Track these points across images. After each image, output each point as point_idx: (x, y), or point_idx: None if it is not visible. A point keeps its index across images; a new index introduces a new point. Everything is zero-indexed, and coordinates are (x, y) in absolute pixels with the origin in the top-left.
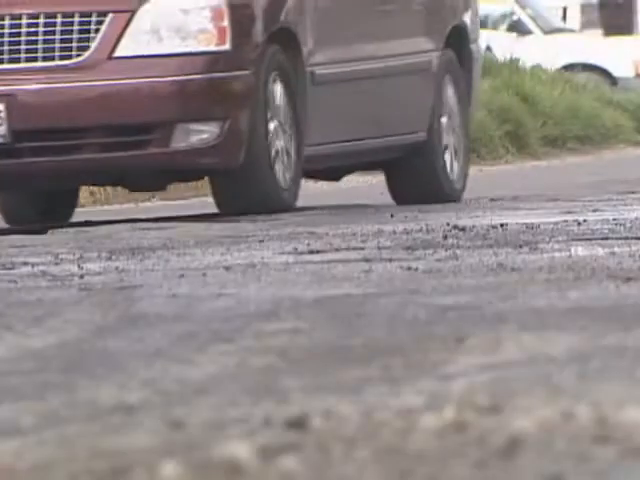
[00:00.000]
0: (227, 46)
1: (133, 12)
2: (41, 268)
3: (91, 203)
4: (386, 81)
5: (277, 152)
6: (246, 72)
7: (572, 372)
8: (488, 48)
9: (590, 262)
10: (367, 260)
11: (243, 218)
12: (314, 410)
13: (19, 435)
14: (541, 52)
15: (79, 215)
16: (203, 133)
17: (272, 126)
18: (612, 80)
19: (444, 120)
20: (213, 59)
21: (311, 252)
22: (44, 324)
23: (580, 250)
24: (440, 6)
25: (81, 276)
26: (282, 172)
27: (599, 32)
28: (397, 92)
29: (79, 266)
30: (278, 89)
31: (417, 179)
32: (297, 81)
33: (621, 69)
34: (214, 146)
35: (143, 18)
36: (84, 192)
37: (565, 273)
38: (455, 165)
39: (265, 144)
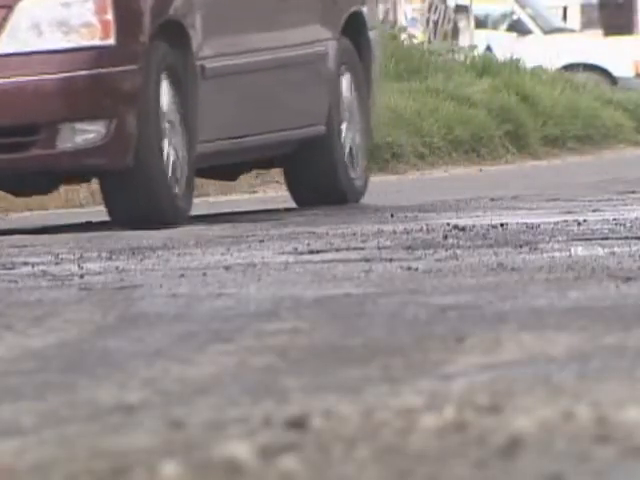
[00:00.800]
0: (112, 40)
1: (11, 7)
2: (41, 268)
3: (91, 203)
4: (280, 73)
5: (168, 153)
6: (133, 67)
7: (572, 372)
8: (488, 48)
9: (590, 262)
10: (367, 260)
11: (244, 218)
12: (314, 410)
13: (19, 435)
14: (541, 52)
15: (79, 215)
16: (89, 133)
17: (162, 125)
18: (612, 80)
19: (342, 112)
20: (97, 54)
21: (311, 252)
22: (44, 324)
23: (580, 250)
24: None
25: (81, 276)
26: (174, 175)
27: (599, 32)
28: (292, 84)
29: (79, 266)
30: (168, 85)
31: (316, 175)
32: (187, 76)
33: (621, 69)
34: (101, 146)
35: (22, 13)
36: (84, 192)
37: (565, 273)
38: (356, 160)
39: (155, 144)
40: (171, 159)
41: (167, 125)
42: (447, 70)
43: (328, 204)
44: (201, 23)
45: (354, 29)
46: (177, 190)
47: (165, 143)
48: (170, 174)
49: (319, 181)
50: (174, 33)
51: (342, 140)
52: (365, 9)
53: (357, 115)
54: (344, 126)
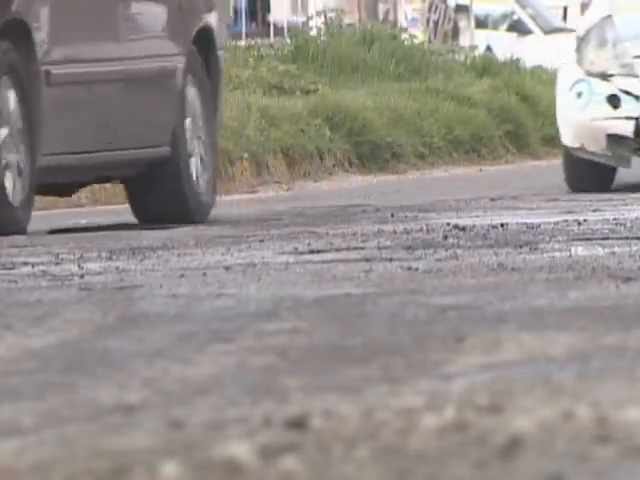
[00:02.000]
0: None
1: None
2: (41, 268)
3: (91, 203)
4: (125, 87)
5: (7, 165)
6: None
7: (572, 372)
8: (488, 48)
9: (590, 262)
10: (367, 260)
11: (243, 218)
12: (314, 410)
13: (19, 435)
14: (541, 52)
15: (79, 215)
16: None
17: (2, 134)
18: None
19: (189, 130)
20: None
21: (311, 252)
22: (44, 324)
23: (580, 250)
24: (186, 6)
25: (81, 276)
26: (13, 187)
27: None
28: (138, 100)
29: (79, 266)
30: (9, 91)
31: (161, 194)
32: (30, 82)
33: None
34: None
35: None
36: (84, 192)
37: (565, 273)
38: (202, 179)
39: None
40: (10, 171)
41: (8, 135)
42: (447, 70)
43: (173, 221)
44: (47, 23)
45: (203, 46)
46: (16, 203)
47: (5, 154)
48: (10, 189)
49: (163, 197)
50: (17, 33)
51: (188, 158)
52: (214, 25)
53: (204, 132)
54: (190, 144)
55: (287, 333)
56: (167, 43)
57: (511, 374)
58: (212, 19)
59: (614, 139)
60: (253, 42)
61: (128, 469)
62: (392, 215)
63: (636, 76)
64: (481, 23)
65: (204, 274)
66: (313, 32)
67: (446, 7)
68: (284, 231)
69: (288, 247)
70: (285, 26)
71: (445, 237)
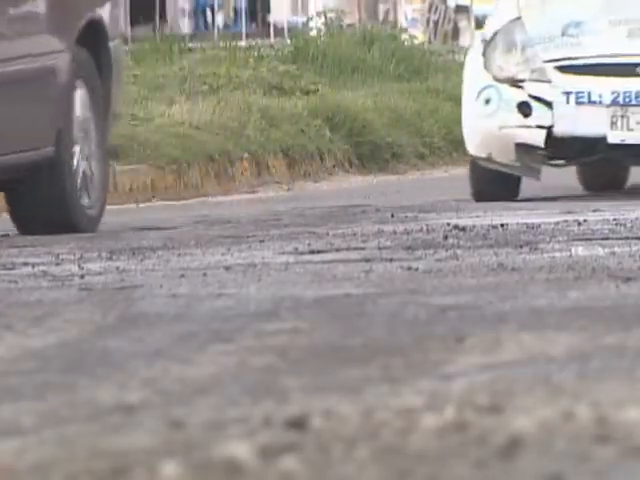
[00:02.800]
0: None
1: None
2: (41, 268)
3: None
4: (2, 88)
5: None
6: None
7: (572, 372)
8: None
9: (590, 262)
10: (367, 260)
11: (243, 218)
12: (314, 410)
13: (19, 435)
14: None
15: None
16: None
17: None
18: None
19: (75, 133)
20: None
21: (311, 252)
22: (44, 324)
23: (580, 250)
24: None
25: (81, 276)
26: None
27: None
28: (14, 101)
29: (79, 266)
30: None
31: (43, 203)
32: None
33: None
34: None
35: None
36: None
37: (565, 273)
38: (90, 186)
39: None
40: None
41: None
42: (447, 70)
43: (56, 234)
44: None
45: (92, 39)
46: None
47: None
48: None
49: (46, 209)
50: None
51: (74, 164)
52: (105, 16)
53: (93, 136)
54: (77, 149)
55: (287, 333)
56: (48, 39)
57: (511, 374)
58: (103, 10)
59: (524, 149)
60: (253, 42)
61: (128, 469)
62: (392, 215)
63: (548, 81)
64: (481, 23)
65: (204, 274)
66: (313, 32)
67: (446, 7)
68: (284, 231)
69: (288, 247)
70: (285, 26)
71: (445, 237)
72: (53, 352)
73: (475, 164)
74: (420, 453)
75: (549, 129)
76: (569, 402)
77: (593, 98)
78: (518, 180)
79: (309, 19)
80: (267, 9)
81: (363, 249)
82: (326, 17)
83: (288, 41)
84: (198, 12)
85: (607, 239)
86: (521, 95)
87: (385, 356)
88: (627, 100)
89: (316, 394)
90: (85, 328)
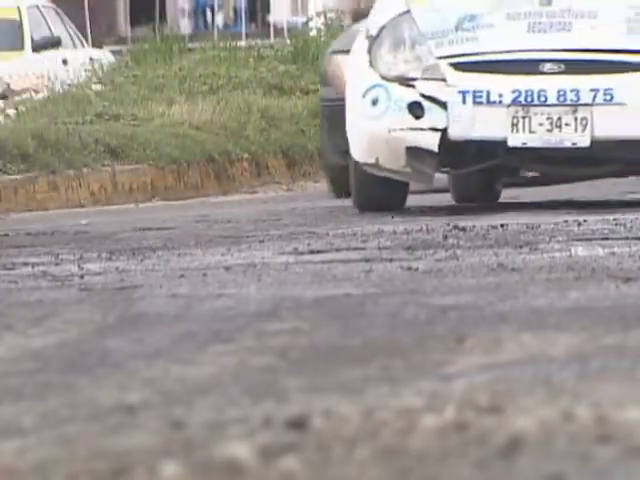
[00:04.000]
0: None
1: None
2: (41, 268)
3: (91, 203)
4: None
5: None
6: None
7: (572, 372)
8: None
9: (590, 262)
10: (367, 260)
11: (243, 218)
12: (314, 410)
13: (19, 435)
14: None
15: (79, 215)
16: None
17: None
18: None
19: None
20: None
21: (311, 252)
22: (44, 324)
23: (580, 250)
24: None
25: (81, 276)
26: None
27: None
28: None
29: (79, 266)
30: None
31: None
32: None
33: None
34: None
35: None
36: (84, 192)
37: (565, 273)
38: None
39: None
40: None
41: None
42: None
43: None
44: None
45: None
46: None
47: None
48: None
49: None
50: None
51: None
52: None
53: None
54: None
55: (287, 333)
56: None
57: (511, 374)
58: None
59: (415, 153)
60: (253, 43)
61: (128, 469)
62: (392, 216)
63: (442, 80)
64: None
65: (204, 274)
66: (313, 33)
67: None
68: (284, 231)
69: (288, 247)
70: (285, 27)
71: (445, 237)
72: (53, 352)
73: (359, 170)
74: (420, 453)
75: (443, 132)
76: (569, 402)
77: (492, 98)
78: (406, 187)
79: (309, 19)
80: (267, 9)
81: (363, 249)
82: (326, 17)
83: (288, 41)
84: (198, 12)
85: (607, 239)
86: (412, 95)
87: (385, 356)
88: (529, 100)
89: (316, 394)
90: (85, 328)
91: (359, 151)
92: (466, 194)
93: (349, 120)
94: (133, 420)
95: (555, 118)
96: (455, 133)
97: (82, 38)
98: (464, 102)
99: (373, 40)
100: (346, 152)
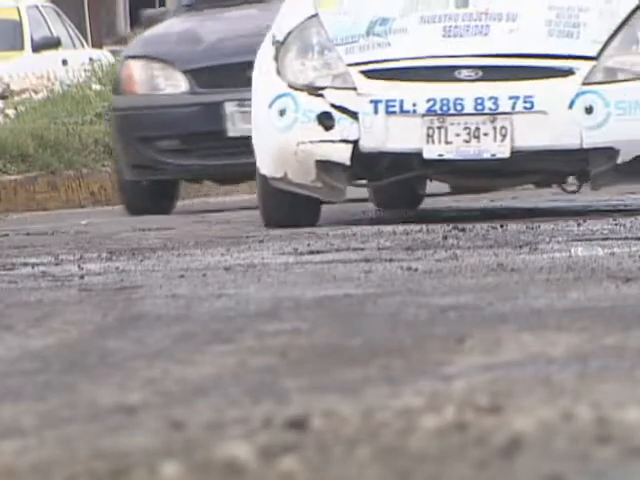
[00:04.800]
0: None
1: None
2: (41, 269)
3: (91, 203)
4: None
5: None
6: None
7: (572, 372)
8: None
9: (590, 262)
10: (367, 260)
11: (243, 218)
12: (314, 410)
13: (19, 435)
14: None
15: (79, 215)
16: None
17: None
18: None
19: None
20: None
21: (311, 252)
22: (44, 324)
23: (580, 250)
24: None
25: (81, 276)
26: None
27: None
28: None
29: (79, 267)
30: None
31: None
32: None
33: None
34: None
35: None
36: (84, 192)
37: (565, 273)
38: None
39: None
40: None
41: None
42: None
43: None
44: None
45: None
46: None
47: None
48: None
49: None
50: None
51: None
52: None
53: None
54: None
55: (287, 333)
56: None
57: (511, 374)
58: None
59: (326, 167)
60: None
61: (128, 470)
62: (392, 216)
63: (352, 89)
64: None
65: (204, 275)
66: None
67: None
68: (284, 231)
69: (288, 247)
70: None
71: (445, 237)
72: (53, 352)
73: (265, 185)
74: (420, 453)
75: (355, 144)
76: (569, 402)
77: (406, 107)
78: (318, 203)
79: None
80: None
81: (363, 249)
82: None
83: None
84: None
85: (607, 239)
86: (322, 105)
87: (385, 356)
88: (445, 109)
89: (316, 394)
90: (85, 328)
91: (266, 165)
92: (386, 200)
93: (255, 132)
94: (133, 420)
95: (473, 128)
96: (367, 145)
97: (82, 38)
98: (376, 112)
99: (279, 46)
100: (141, 166)
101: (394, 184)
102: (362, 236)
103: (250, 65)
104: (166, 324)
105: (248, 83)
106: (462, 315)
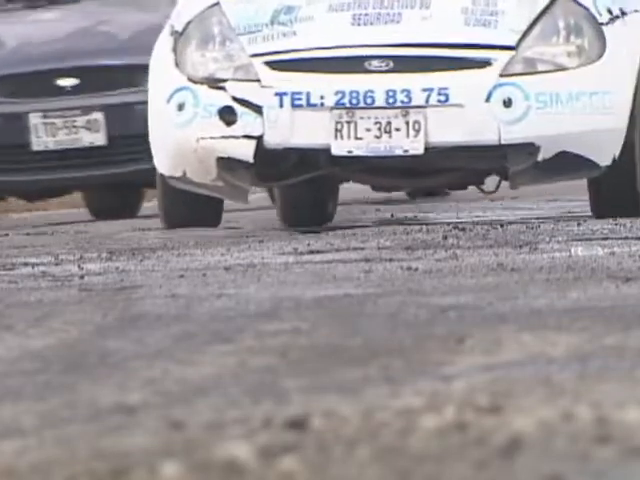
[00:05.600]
0: None
1: None
2: (41, 269)
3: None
4: None
5: None
6: None
7: (572, 372)
8: None
9: (590, 262)
10: (367, 260)
11: (243, 218)
12: (314, 410)
13: (19, 435)
14: None
15: (79, 215)
16: None
17: None
18: None
19: None
20: None
21: (311, 252)
22: (44, 324)
23: (580, 250)
24: None
25: (81, 276)
26: None
27: None
28: None
29: (79, 266)
30: None
31: None
32: None
33: None
34: None
35: None
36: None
37: (565, 273)
38: None
39: None
40: None
41: None
42: None
43: None
44: None
45: None
46: None
47: None
48: None
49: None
50: None
51: None
52: None
53: None
54: None
55: (287, 333)
56: None
57: (511, 374)
58: None
59: (228, 165)
60: None
61: (128, 470)
62: (392, 215)
63: (256, 81)
64: None
65: (204, 274)
66: None
67: None
68: (284, 231)
69: (288, 247)
70: None
71: (445, 237)
72: (53, 352)
73: (165, 185)
74: (420, 454)
75: (259, 140)
76: (569, 402)
77: (313, 100)
78: (221, 203)
79: None
80: None
81: (363, 249)
82: None
83: None
84: None
85: (607, 239)
86: (223, 98)
87: (385, 356)
88: (354, 102)
89: (316, 394)
90: (85, 329)
91: (164, 163)
92: (293, 216)
93: (152, 128)
94: (133, 420)
95: (384, 122)
96: (272, 141)
97: None
98: (281, 106)
99: (178, 37)
100: None
101: (302, 200)
102: (362, 236)
103: (59, 73)
104: (166, 324)
105: (56, 92)
106: (462, 315)
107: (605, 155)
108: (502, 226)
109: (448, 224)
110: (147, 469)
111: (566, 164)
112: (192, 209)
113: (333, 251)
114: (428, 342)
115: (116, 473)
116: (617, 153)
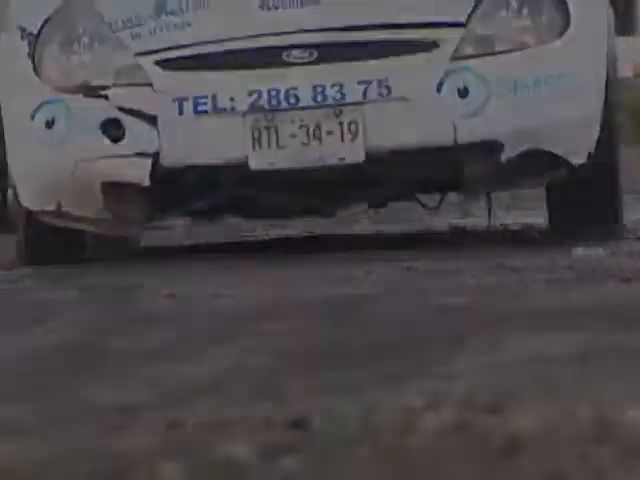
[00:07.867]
0: None
1: None
2: (41, 269)
3: None
4: None
5: None
6: None
7: (572, 372)
8: None
9: (590, 262)
10: (367, 260)
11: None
12: (314, 410)
13: (19, 435)
14: None
15: None
16: None
17: None
18: None
19: None
20: None
21: (311, 252)
22: (44, 325)
23: (580, 250)
24: None
25: (81, 276)
26: None
27: None
28: None
29: (80, 266)
30: None
31: None
32: None
33: (620, 69)
34: None
35: None
36: None
37: (565, 273)
38: None
39: None
40: None
41: None
42: None
43: None
44: None
45: None
46: None
47: None
48: None
49: None
50: None
51: None
52: None
53: None
54: None
55: (287, 333)
56: None
57: (511, 374)
58: None
59: (116, 191)
60: None
61: (128, 469)
62: (392, 215)
63: (146, 85)
64: None
65: (204, 274)
66: None
67: None
68: (284, 231)
69: (288, 247)
70: None
71: (445, 237)
72: (53, 352)
73: (30, 218)
74: (420, 453)
75: (155, 157)
76: (569, 402)
77: (220, 104)
78: (82, 235)
79: None
80: None
81: (363, 249)
82: None
83: None
84: None
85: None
86: (105, 109)
87: (385, 356)
88: (274, 102)
89: (316, 394)
90: (85, 328)
91: (31, 196)
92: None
93: (12, 154)
94: (133, 420)
95: (312, 126)
96: (171, 158)
97: None
98: (181, 113)
99: (34, 40)
100: None
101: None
102: (362, 236)
103: None
104: (166, 324)
105: None
106: (462, 315)
107: (579, 151)
108: (501, 226)
109: (448, 224)
110: (147, 469)
111: (534, 164)
112: (55, 243)
113: (333, 251)
114: (428, 342)
115: (116, 473)
116: (592, 148)
